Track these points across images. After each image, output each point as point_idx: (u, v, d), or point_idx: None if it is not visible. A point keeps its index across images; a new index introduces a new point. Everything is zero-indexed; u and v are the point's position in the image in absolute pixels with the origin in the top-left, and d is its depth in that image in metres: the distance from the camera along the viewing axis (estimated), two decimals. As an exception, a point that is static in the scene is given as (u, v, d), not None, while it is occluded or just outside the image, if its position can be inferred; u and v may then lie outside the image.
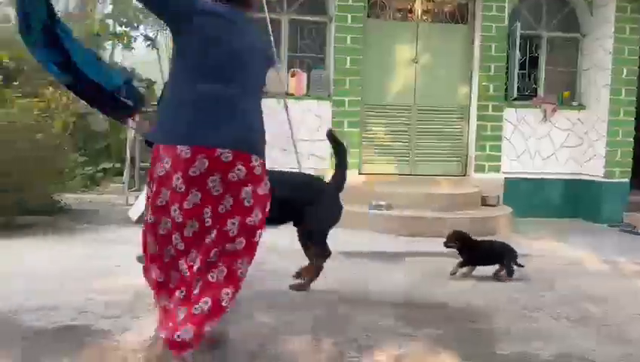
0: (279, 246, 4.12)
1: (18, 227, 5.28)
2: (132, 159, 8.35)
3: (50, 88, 8.62)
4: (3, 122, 5.72)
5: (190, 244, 2.18)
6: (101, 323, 2.75)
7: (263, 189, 2.26)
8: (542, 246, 5.25)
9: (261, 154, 2.27)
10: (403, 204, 5.95)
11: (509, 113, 6.88)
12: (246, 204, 2.20)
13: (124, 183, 8.14)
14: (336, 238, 5.11)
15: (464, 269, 3.96)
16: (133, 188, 8.08)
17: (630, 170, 6.80)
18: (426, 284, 3.80)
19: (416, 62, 6.81)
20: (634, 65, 6.68)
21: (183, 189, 2.12)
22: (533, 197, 6.92)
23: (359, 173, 6.63)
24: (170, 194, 2.15)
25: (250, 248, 2.24)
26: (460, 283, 3.85)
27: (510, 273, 3.91)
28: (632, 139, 6.78)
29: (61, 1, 11.62)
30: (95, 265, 3.98)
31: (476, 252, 3.98)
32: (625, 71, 6.66)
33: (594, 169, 6.87)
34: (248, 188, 2.19)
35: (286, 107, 6.26)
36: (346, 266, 4.21)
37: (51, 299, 3.08)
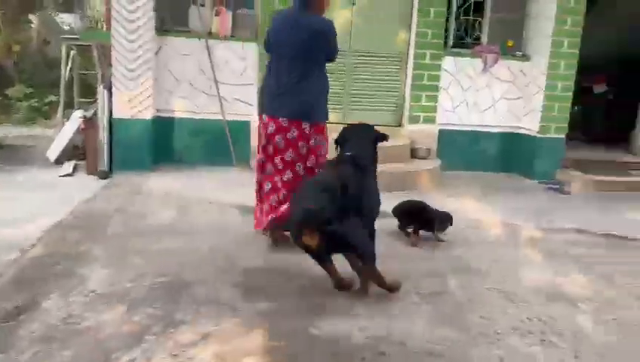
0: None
1: None
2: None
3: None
4: None
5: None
6: None
7: None
8: (454, 206, 5.13)
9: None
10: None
11: (448, 62, 6.58)
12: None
13: (57, 118, 7.89)
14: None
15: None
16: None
17: (566, 126, 6.61)
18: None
19: (354, 4, 6.41)
20: (579, 15, 6.33)
21: None
22: (468, 151, 6.77)
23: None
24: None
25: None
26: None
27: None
28: (570, 94, 6.54)
29: None
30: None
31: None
32: (569, 21, 6.32)
33: (531, 123, 6.68)
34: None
35: (208, 48, 5.95)
36: (238, 220, 4.12)
37: None
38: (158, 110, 6.00)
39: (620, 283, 3.43)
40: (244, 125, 6.22)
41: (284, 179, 3.59)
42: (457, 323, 2.73)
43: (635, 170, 6.88)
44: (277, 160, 3.59)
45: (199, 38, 5.97)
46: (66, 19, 9.41)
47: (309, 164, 3.59)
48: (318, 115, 3.62)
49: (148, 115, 5.74)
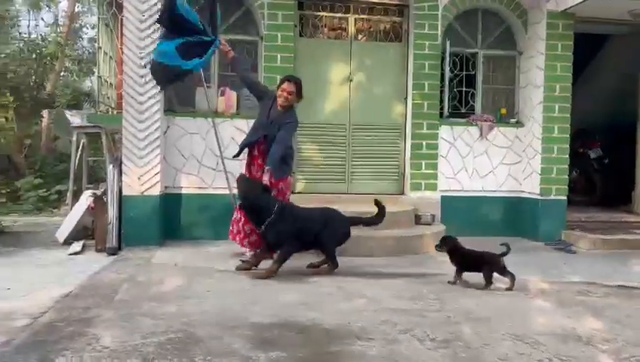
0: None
1: None
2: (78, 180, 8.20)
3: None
4: None
5: None
6: None
7: None
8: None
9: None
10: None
11: (445, 131, 6.83)
12: None
13: (67, 204, 8.06)
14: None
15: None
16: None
17: (566, 187, 6.73)
18: (319, 304, 3.68)
19: (351, 81, 6.78)
20: (567, 82, 6.66)
21: None
22: (471, 216, 6.83)
23: (292, 193, 6.55)
24: None
25: None
26: (352, 303, 3.75)
27: (488, 282, 4.22)
28: (567, 157, 6.72)
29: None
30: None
31: (463, 259, 4.35)
32: (558, 88, 6.64)
33: (532, 186, 6.80)
34: None
35: (214, 126, 6.22)
36: (245, 287, 4.12)
37: None
38: (166, 187, 6.16)
39: (636, 326, 3.37)
40: (250, 198, 6.34)
41: None
42: (474, 365, 2.68)
43: (637, 228, 6.92)
44: None
45: (206, 118, 6.26)
46: (75, 117, 9.87)
47: None
48: None
49: (156, 191, 5.89)
